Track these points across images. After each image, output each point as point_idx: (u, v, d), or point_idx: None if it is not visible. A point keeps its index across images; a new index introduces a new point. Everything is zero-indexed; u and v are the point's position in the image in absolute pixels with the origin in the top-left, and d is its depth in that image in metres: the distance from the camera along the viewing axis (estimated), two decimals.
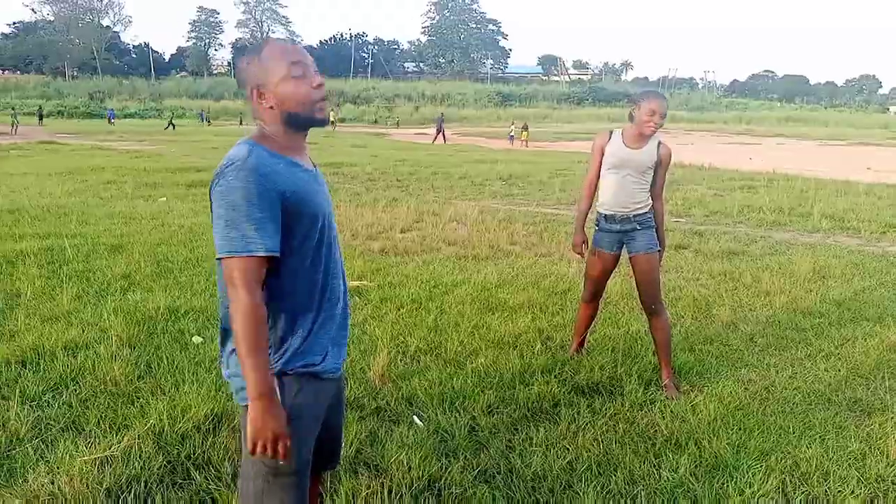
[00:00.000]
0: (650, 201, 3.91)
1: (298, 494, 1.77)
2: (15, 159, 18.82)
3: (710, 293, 5.82)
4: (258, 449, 1.61)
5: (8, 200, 10.29)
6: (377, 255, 7.11)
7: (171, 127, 39.76)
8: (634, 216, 3.88)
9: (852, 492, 2.79)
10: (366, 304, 5.30)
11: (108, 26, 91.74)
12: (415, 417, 3.40)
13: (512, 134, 36.88)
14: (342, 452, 2.28)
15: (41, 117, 39.13)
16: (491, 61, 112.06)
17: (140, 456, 2.86)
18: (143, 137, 30.84)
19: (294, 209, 1.69)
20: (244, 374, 1.60)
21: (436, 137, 34.47)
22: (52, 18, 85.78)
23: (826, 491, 2.81)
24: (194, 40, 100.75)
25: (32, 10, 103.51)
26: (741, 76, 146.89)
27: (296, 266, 1.73)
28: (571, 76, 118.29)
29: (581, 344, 4.31)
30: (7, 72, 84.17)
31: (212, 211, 1.67)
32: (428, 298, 5.46)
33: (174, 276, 6.02)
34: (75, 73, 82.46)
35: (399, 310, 5.16)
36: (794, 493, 2.77)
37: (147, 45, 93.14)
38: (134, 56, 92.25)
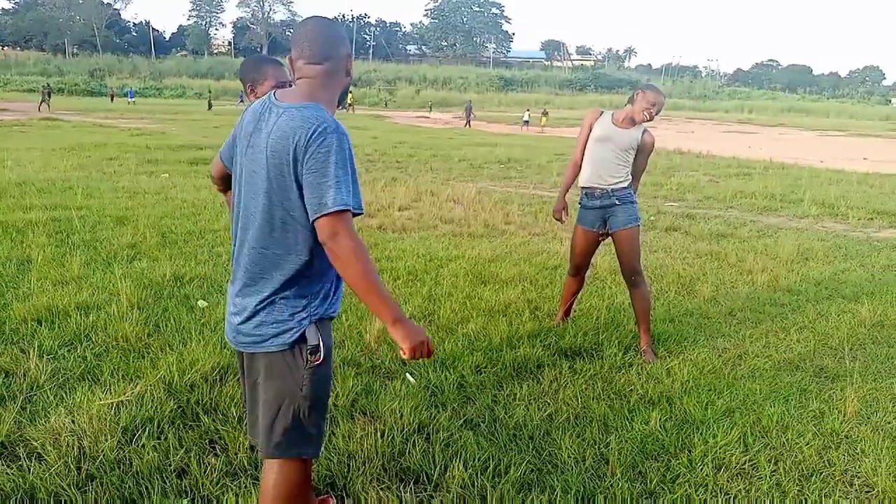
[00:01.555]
0: (629, 178, 4.13)
1: (324, 422, 2.03)
2: (18, 135, 18.95)
3: (694, 271, 6.05)
4: (416, 355, 1.83)
5: (14, 174, 10.47)
6: (375, 231, 7.33)
7: (210, 107, 39.72)
8: (613, 191, 4.09)
9: (808, 443, 3.04)
10: None
11: (108, 3, 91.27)
12: (408, 375, 3.64)
13: (526, 119, 37.18)
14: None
15: (49, 95, 38.80)
16: (493, 45, 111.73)
17: (153, 401, 3.10)
18: (143, 116, 30.91)
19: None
20: (376, 308, 1.78)
21: (468, 122, 35.57)
22: None
23: (783, 442, 3.05)
24: (195, 19, 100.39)
25: None
26: (745, 65, 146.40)
27: None
28: (574, 62, 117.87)
29: (567, 313, 4.54)
30: (7, 48, 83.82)
31: (297, 168, 1.77)
32: (423, 271, 5.69)
33: (178, 246, 6.24)
34: (75, 51, 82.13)
35: (395, 281, 5.39)
36: (754, 444, 3.02)
37: (148, 23, 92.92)
38: (134, 34, 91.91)
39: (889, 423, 3.31)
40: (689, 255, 6.76)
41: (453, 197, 9.88)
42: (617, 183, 4.08)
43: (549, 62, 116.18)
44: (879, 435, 3.16)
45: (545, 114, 38.67)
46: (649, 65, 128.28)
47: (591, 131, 4.15)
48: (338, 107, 2.03)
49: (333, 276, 1.95)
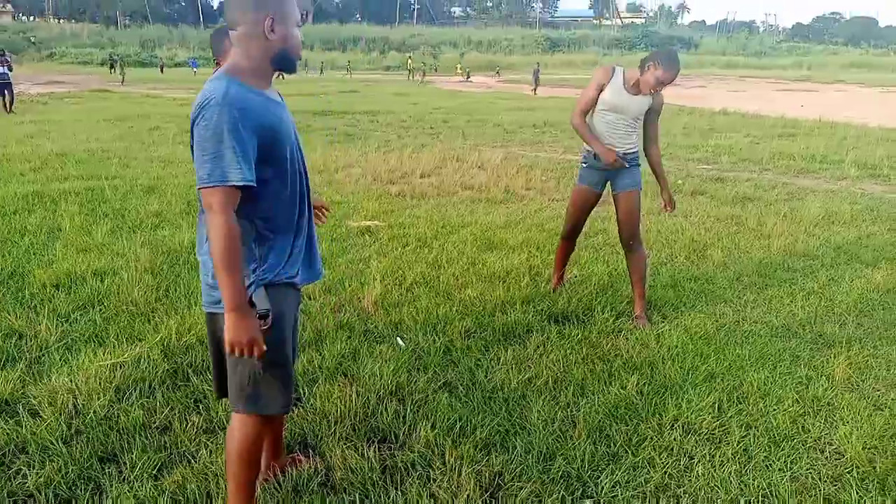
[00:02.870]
0: (639, 142, 4.07)
1: (287, 381, 2.08)
2: (68, 107, 19.61)
3: (710, 236, 5.95)
4: (236, 352, 1.87)
5: (58, 145, 10.89)
6: (394, 198, 7.40)
7: (113, 69, 39.67)
8: (623, 154, 4.04)
9: (785, 409, 3.02)
10: (374, 242, 5.62)
11: None
12: (398, 339, 3.73)
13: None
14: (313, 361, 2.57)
15: (113, 66, 39.50)
16: (540, 4, 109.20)
17: (148, 362, 3.28)
18: (192, 85, 31.49)
19: (269, 139, 1.87)
20: (221, 288, 1.83)
21: (535, 88, 33.08)
22: None
23: (760, 408, 3.04)
24: None
25: None
26: (805, 19, 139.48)
27: (275, 191, 1.94)
28: (624, 20, 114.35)
29: (560, 279, 4.55)
30: (62, 20, 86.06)
31: (192, 144, 1.85)
32: (433, 237, 5.75)
33: None
34: (127, 22, 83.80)
35: (404, 247, 5.47)
36: (728, 409, 3.01)
37: None
38: (183, 3, 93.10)
39: (877, 390, 3.25)
40: (708, 219, 6.63)
41: (478, 163, 9.85)
42: (629, 147, 4.04)
43: (598, 21, 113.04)
44: (863, 403, 3.11)
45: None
46: (703, 21, 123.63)
47: (599, 91, 4.02)
48: (280, 74, 2.02)
49: (284, 242, 2.00)
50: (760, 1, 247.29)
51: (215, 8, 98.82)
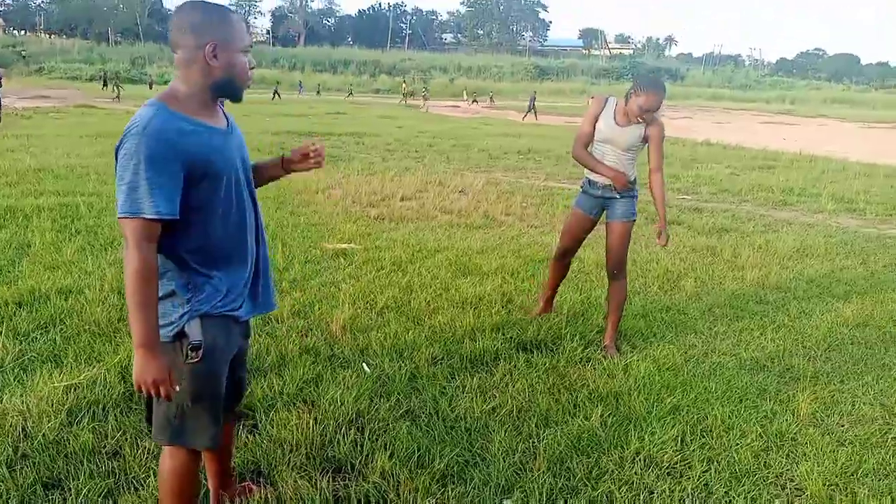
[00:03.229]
0: (636, 172, 4.03)
1: (214, 417, 2.00)
2: (52, 122, 19.50)
3: (684, 266, 5.96)
4: (143, 390, 1.79)
5: (37, 160, 10.79)
6: (372, 221, 7.38)
7: (276, 97, 39.99)
8: (615, 187, 4.00)
9: (748, 444, 2.99)
10: (349, 265, 5.57)
11: None
12: (364, 365, 3.68)
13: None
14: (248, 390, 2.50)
15: (106, 83, 39.57)
16: (530, 33, 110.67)
17: (103, 384, 3.20)
18: None
19: (197, 169, 1.79)
20: (131, 323, 1.75)
21: (526, 115, 33.41)
22: None
23: (723, 443, 3.01)
24: (234, 8, 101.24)
25: None
26: (789, 54, 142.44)
27: (205, 220, 1.86)
28: (612, 50, 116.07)
29: (548, 305, 4.52)
30: (53, 35, 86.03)
31: (115, 171, 1.78)
32: (408, 261, 5.72)
33: None
34: (118, 39, 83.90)
35: (378, 271, 5.43)
36: (691, 443, 2.98)
37: None
38: None
39: (842, 426, 3.24)
40: (683, 249, 6.66)
41: (460, 187, 9.87)
42: None
43: (586, 51, 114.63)
44: (827, 438, 3.09)
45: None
46: (690, 54, 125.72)
47: (594, 123, 4.01)
48: (231, 99, 1.93)
49: (222, 273, 1.93)
50: (746, 35, 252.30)
51: None
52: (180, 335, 1.88)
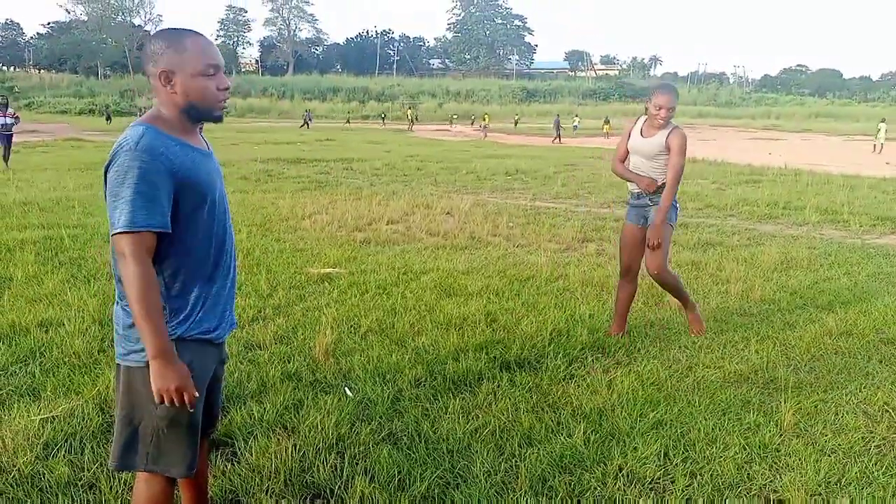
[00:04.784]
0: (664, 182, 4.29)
1: (192, 443, 1.98)
2: (39, 156, 19.52)
3: None
4: (165, 400, 1.81)
5: (22, 194, 10.78)
6: (358, 245, 7.38)
7: (306, 125, 39.99)
8: (647, 195, 4.35)
9: (732, 456, 2.98)
10: (333, 290, 5.56)
11: (139, 25, 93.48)
12: (346, 389, 3.66)
13: (576, 125, 40.68)
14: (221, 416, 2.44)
15: (109, 118, 39.67)
16: (517, 57, 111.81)
17: (82, 417, 3.17)
18: None
19: (185, 186, 1.85)
20: (142, 336, 1.79)
21: (556, 137, 34.36)
22: (85, 18, 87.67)
23: (706, 456, 3.00)
24: (223, 38, 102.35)
25: (66, 10, 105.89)
26: (773, 71, 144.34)
27: (187, 239, 1.90)
28: (598, 71, 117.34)
29: (622, 324, 4.59)
30: (42, 70, 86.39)
31: (105, 191, 1.84)
32: (393, 284, 5.72)
33: None
34: (107, 72, 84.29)
35: (363, 294, 5.42)
36: (674, 458, 2.97)
37: None
38: None
39: (825, 435, 3.23)
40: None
41: (447, 209, 9.90)
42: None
43: (573, 72, 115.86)
44: (810, 449, 3.08)
45: (607, 122, 40.96)
46: (675, 73, 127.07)
47: (629, 138, 4.43)
48: (206, 121, 1.96)
49: (197, 295, 1.94)
50: (730, 53, 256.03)
51: None
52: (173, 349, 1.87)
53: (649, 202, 4.37)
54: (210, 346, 2.02)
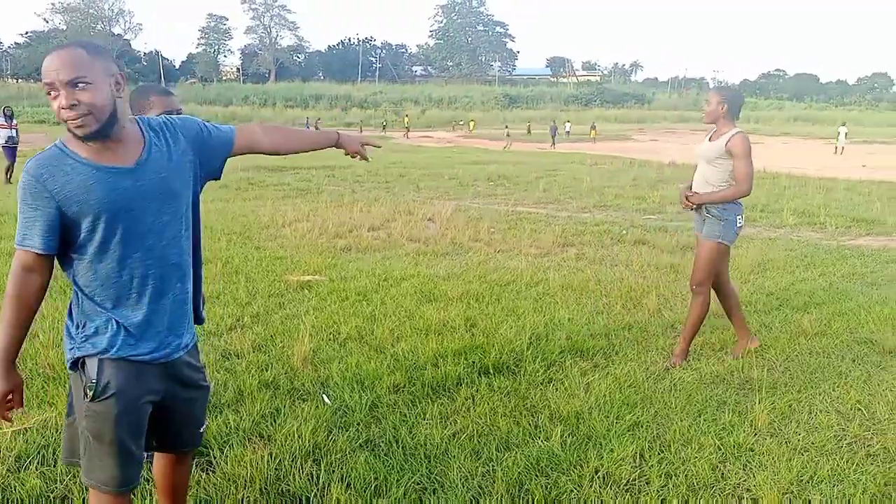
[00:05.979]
0: (722, 189, 4.13)
1: (118, 461, 1.90)
2: (17, 165, 19.25)
3: (647, 284, 6.03)
4: None
5: (1, 204, 10.65)
6: (339, 252, 7.37)
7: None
8: (688, 197, 4.24)
9: (706, 457, 3.01)
10: (313, 297, 5.55)
11: (119, 34, 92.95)
12: (324, 396, 3.65)
13: (568, 130, 40.79)
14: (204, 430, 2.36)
15: None
16: (499, 64, 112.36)
17: (55, 429, 3.13)
18: None
19: (73, 209, 1.76)
20: None
21: (553, 143, 35.34)
22: (63, 27, 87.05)
23: (681, 456, 3.02)
24: (204, 47, 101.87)
25: (44, 19, 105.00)
26: (752, 76, 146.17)
27: (89, 261, 1.83)
28: (580, 77, 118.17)
29: (743, 332, 4.45)
30: (21, 80, 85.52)
31: None
32: (374, 291, 5.72)
33: None
34: None
35: (343, 301, 5.41)
36: (650, 458, 2.99)
37: (158, 52, 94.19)
38: (145, 64, 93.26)
39: (798, 434, 3.27)
40: (648, 268, 6.74)
41: (429, 216, 9.91)
42: (703, 194, 4.19)
43: (554, 78, 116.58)
44: (783, 448, 3.12)
45: (593, 127, 41.94)
46: (656, 78, 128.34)
47: None
48: (88, 140, 1.80)
49: (114, 319, 1.86)
50: (709, 59, 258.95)
51: (177, 67, 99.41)
52: (80, 369, 1.88)
53: (706, 212, 4.20)
54: (147, 366, 1.92)
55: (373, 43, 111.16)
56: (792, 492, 2.75)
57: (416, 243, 7.93)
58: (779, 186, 14.63)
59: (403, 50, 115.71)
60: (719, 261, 4.24)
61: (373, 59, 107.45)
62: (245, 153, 2.17)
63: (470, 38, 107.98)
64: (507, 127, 39.20)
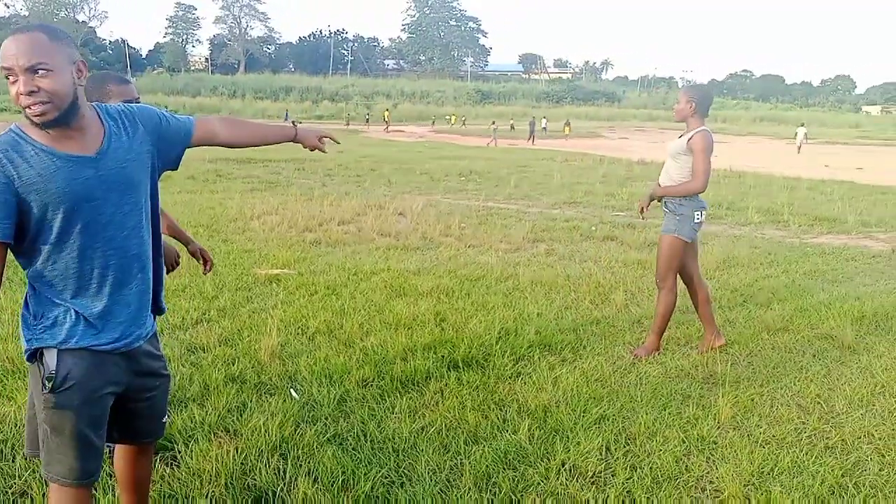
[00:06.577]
0: (679, 183, 4.23)
1: (77, 453, 1.87)
2: None
3: (615, 280, 6.10)
4: None
5: None
6: (308, 246, 7.31)
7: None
8: (661, 198, 4.32)
9: (670, 449, 3.05)
10: (282, 291, 5.49)
11: (83, 22, 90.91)
12: (291, 391, 3.62)
13: (545, 126, 41.39)
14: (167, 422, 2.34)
15: None
16: (471, 59, 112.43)
17: (14, 423, 3.06)
18: None
19: (31, 196, 1.71)
20: None
21: (530, 138, 35.57)
22: (26, 14, 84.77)
23: (646, 449, 3.07)
24: (172, 36, 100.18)
25: (6, 4, 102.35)
26: (719, 76, 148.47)
27: (48, 251, 1.78)
28: (551, 74, 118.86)
29: (711, 330, 4.46)
30: None
31: None
32: (343, 285, 5.68)
33: None
34: None
35: (312, 295, 5.38)
36: (615, 451, 3.03)
37: (124, 41, 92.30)
38: (110, 52, 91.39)
39: (760, 427, 3.33)
40: (616, 264, 6.81)
41: (399, 210, 9.89)
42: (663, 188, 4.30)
43: (526, 75, 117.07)
44: (745, 440, 3.18)
45: (567, 124, 42.71)
46: (626, 77, 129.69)
47: None
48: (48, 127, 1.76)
49: (80, 306, 1.83)
50: (678, 59, 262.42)
51: (144, 56, 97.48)
52: (39, 361, 1.83)
53: (664, 207, 4.33)
54: (108, 356, 1.89)
55: (345, 35, 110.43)
56: (753, 483, 2.81)
57: (386, 238, 7.90)
58: (744, 185, 14.90)
59: (375, 43, 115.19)
60: (676, 255, 4.27)
61: (344, 51, 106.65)
62: (203, 144, 2.13)
63: (443, 33, 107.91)
64: (493, 123, 38.49)
